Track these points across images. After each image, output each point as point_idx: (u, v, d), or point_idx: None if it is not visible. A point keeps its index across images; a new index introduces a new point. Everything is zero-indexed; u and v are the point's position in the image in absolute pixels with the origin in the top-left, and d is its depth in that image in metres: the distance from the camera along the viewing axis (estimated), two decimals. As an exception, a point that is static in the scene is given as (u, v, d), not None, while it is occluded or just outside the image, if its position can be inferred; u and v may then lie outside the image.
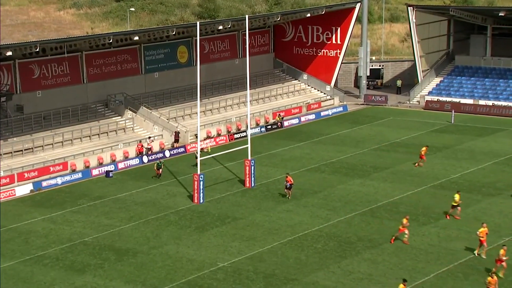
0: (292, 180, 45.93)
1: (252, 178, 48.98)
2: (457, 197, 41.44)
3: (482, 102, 70.37)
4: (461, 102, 70.61)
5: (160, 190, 48.83)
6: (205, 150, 53.80)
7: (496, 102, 69.80)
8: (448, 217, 41.56)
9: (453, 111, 67.00)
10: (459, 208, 41.41)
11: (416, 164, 52.01)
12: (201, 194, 46.06)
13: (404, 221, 38.31)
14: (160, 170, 51.06)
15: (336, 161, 54.62)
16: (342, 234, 40.26)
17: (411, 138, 60.78)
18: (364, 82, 75.97)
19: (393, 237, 38.47)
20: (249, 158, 48.97)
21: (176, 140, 59.86)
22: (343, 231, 40.70)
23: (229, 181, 50.46)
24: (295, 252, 38.08)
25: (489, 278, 31.91)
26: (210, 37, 69.20)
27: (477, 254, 36.38)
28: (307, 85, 75.57)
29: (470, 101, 70.91)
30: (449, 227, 40.62)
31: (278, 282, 34.71)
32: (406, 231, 38.14)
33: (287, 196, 45.80)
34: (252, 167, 48.86)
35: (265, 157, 55.96)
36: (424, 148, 52.43)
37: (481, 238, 36.18)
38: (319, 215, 43.20)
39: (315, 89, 75.34)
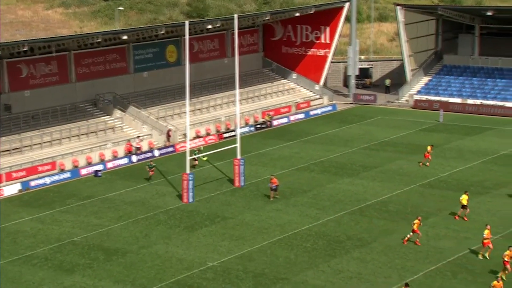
0: (277, 181, 45.78)
1: (242, 178, 48.99)
2: (465, 197, 41.38)
3: (470, 101, 70.69)
4: (449, 101, 70.90)
5: (150, 190, 48.76)
6: (197, 151, 53.66)
7: (484, 101, 70.14)
8: (457, 218, 41.37)
9: (441, 110, 67.27)
10: (468, 209, 41.34)
11: (421, 163, 51.90)
12: (191, 194, 46.04)
13: (417, 222, 38.15)
14: (152, 171, 50.61)
15: (325, 160, 54.73)
16: (331, 233, 40.35)
17: (400, 137, 60.97)
18: (353, 81, 76.14)
19: (406, 238, 38.29)
20: (239, 157, 48.98)
21: (168, 139, 59.84)
22: (332, 230, 40.78)
23: (219, 180, 50.46)
24: (285, 251, 38.13)
25: (495, 282, 31.35)
26: (199, 36, 69.15)
27: (482, 255, 36.17)
28: (296, 85, 75.66)
29: (458, 100, 71.22)
30: (438, 225, 40.80)
31: (268, 281, 34.75)
32: (419, 232, 38.01)
33: (271, 197, 45.59)
34: (242, 166, 48.88)
35: (255, 156, 55.99)
36: (429, 148, 52.37)
37: (485, 241, 36.02)
38: (308, 214, 43.27)
39: (304, 88, 75.44)
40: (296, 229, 41.03)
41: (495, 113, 68.06)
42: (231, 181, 49.49)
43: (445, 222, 41.27)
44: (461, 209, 41.39)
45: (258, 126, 65.54)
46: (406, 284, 31.28)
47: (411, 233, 38.11)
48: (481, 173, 50.48)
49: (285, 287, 34.13)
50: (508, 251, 33.46)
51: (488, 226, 36.64)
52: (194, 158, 52.44)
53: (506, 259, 32.98)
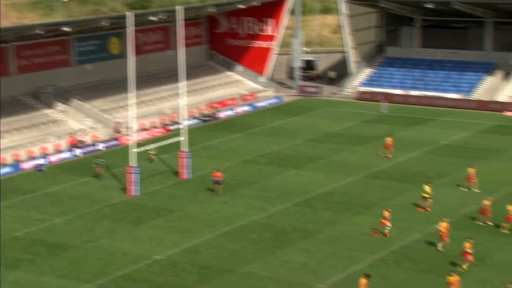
0: (220, 175, 45.58)
1: (188, 170, 48.83)
2: (427, 188, 41.90)
3: (412, 92, 71.93)
4: (392, 92, 71.98)
5: (94, 184, 48.17)
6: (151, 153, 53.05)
7: (425, 93, 71.46)
8: (420, 210, 41.79)
9: (384, 101, 68.26)
10: (430, 199, 41.83)
11: (383, 155, 52.40)
12: (136, 187, 45.66)
13: (386, 213, 38.36)
14: (100, 168, 49.45)
15: (272, 152, 54.97)
16: (278, 224, 40.58)
17: (344, 128, 61.66)
18: (298, 73, 76.61)
19: (375, 230, 38.50)
20: (184, 150, 48.78)
21: (117, 132, 59.17)
22: (278, 221, 41.02)
23: (165, 173, 50.18)
24: (231, 243, 38.20)
25: (450, 278, 30.86)
26: (142, 28, 68.48)
27: (441, 247, 36.38)
28: (241, 77, 75.70)
29: (400, 91, 72.38)
30: (381, 216, 41.38)
31: (214, 273, 34.78)
32: (388, 224, 38.29)
33: (216, 191, 45.40)
34: (188, 159, 48.70)
35: (201, 149, 55.85)
36: (389, 139, 52.83)
37: (442, 233, 36.22)
38: (255, 206, 43.42)
39: (249, 80, 75.56)
40: (243, 221, 41.13)
41: (436, 104, 69.41)
42: (177, 174, 49.28)
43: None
44: (423, 200, 41.83)
45: (204, 118, 65.37)
46: (367, 275, 31.24)
47: (387, 225, 38.31)
48: (423, 163, 51.45)
49: (231, 279, 34.22)
50: (467, 243, 33.73)
51: (445, 219, 36.77)
52: (150, 154, 52.12)
53: (466, 250, 33.40)
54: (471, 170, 44.70)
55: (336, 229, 39.74)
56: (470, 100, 69.27)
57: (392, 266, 35.03)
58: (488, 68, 72.89)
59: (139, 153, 47.79)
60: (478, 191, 44.05)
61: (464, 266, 33.72)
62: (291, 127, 62.39)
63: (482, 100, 68.52)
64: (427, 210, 41.55)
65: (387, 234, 38.33)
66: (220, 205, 43.75)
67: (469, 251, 33.51)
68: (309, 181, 47.85)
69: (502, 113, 65.59)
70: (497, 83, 71.44)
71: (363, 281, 30.46)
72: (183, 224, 40.88)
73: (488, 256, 35.42)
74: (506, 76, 71.60)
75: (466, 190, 44.52)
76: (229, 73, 75.74)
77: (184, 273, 34.83)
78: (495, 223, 39.09)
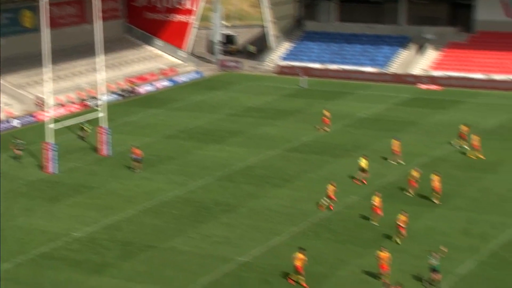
0: (139, 153, 44.85)
1: (108, 147, 48.07)
2: (363, 161, 42.26)
3: (330, 66, 72.83)
4: (311, 66, 72.67)
5: (10, 162, 46.83)
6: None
7: (343, 66, 72.47)
8: (356, 182, 42.07)
9: (303, 75, 68.85)
10: (366, 173, 42.27)
11: (321, 128, 52.61)
12: (53, 164, 44.66)
13: (331, 188, 38.18)
14: (19, 149, 47.54)
15: (193, 127, 54.74)
16: (199, 199, 40.56)
17: (265, 102, 61.95)
18: (217, 48, 76.28)
19: (322, 204, 38.31)
20: (104, 125, 47.95)
21: (39, 106, 57.49)
22: (200, 196, 41.00)
23: (83, 150, 49.25)
24: (153, 219, 37.97)
25: (380, 253, 30.34)
26: (57, 2, 66.57)
27: (376, 222, 36.28)
28: (161, 51, 74.81)
29: (319, 65, 73.16)
30: (301, 189, 41.99)
31: (136, 249, 34.52)
32: (327, 199, 38.21)
33: (135, 169, 44.75)
34: (107, 135, 47.91)
35: (120, 124, 55.05)
36: (326, 112, 52.81)
37: (375, 207, 36.17)
38: (176, 182, 43.22)
39: (169, 55, 74.78)
40: (164, 196, 40.91)
41: (354, 78, 70.55)
42: (97, 150, 48.45)
43: (308, 185, 42.52)
44: (360, 172, 42.39)
45: (123, 94, 64.37)
46: (301, 249, 31.08)
47: (326, 198, 38.57)
48: (342, 136, 52.29)
49: (153, 254, 34.05)
50: (401, 216, 34.12)
51: (378, 193, 37.09)
52: (83, 128, 50.90)
53: (400, 224, 33.92)
54: (396, 143, 45.49)
55: (257, 202, 40.04)
56: (386, 73, 70.71)
57: (312, 237, 35.61)
58: (402, 42, 74.49)
59: (56, 129, 46.70)
60: (403, 163, 45.02)
61: (398, 239, 34.37)
62: (212, 102, 62.23)
63: (397, 74, 70.05)
64: (364, 182, 42.02)
65: (332, 208, 38.53)
66: (140, 181, 43.33)
67: (402, 224, 33.91)
68: (230, 156, 47.94)
69: (416, 86, 67.28)
70: (411, 56, 73.15)
71: (299, 255, 30.51)
72: (103, 201, 40.32)
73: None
74: (420, 49, 73.38)
75: (395, 163, 45.29)
76: (148, 47, 74.70)
77: (104, 250, 34.42)
78: (416, 194, 40.16)
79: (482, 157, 45.55)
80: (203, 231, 36.40)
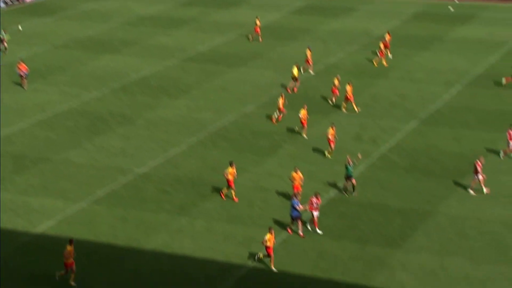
0: (25, 68, 41.94)
1: (-6, 57, 45.77)
2: (295, 69, 41.42)
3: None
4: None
5: None
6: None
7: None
8: (288, 91, 41.40)
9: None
10: (297, 81, 41.60)
11: (252, 38, 51.27)
12: None
13: (281, 100, 37.13)
14: None
15: (84, 37, 52.84)
16: (94, 111, 39.64)
17: (159, 11, 60.36)
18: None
19: (275, 118, 37.53)
20: (-12, 35, 45.46)
21: None
22: (94, 108, 40.05)
23: (-32, 61, 46.78)
24: (45, 131, 36.91)
25: (293, 174, 29.87)
26: None
27: (306, 135, 35.92)
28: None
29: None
30: (198, 99, 41.72)
31: (28, 162, 33.61)
32: (284, 111, 37.27)
33: (22, 85, 42.33)
34: (-7, 45, 45.52)
35: (7, 34, 52.37)
36: (257, 21, 51.55)
37: (303, 121, 35.90)
38: (69, 93, 41.96)
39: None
40: (57, 108, 39.75)
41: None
42: (-18, 61, 46.12)
43: (205, 94, 42.28)
44: (292, 81, 41.93)
45: (8, 1, 60.97)
46: (231, 163, 30.56)
47: (278, 112, 37.96)
48: (237, 45, 51.89)
49: (47, 167, 33.26)
50: (330, 129, 33.93)
51: (305, 106, 36.75)
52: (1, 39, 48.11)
53: (330, 137, 33.88)
54: (308, 53, 44.80)
55: (153, 113, 39.55)
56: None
57: (210, 147, 35.69)
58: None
59: None
60: (312, 72, 44.93)
61: (327, 153, 34.47)
62: (104, 10, 60.05)
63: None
64: (294, 90, 41.45)
65: (280, 118, 37.60)
66: (31, 93, 41.77)
67: (331, 137, 33.81)
68: (124, 66, 46.79)
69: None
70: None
71: (230, 170, 30.24)
72: (-8, 114, 38.73)
73: (299, 134, 37.02)
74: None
75: (311, 72, 45.23)
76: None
77: (-4, 164, 33.32)
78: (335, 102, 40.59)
79: (385, 64, 46.10)
80: (98, 143, 35.77)
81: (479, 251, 26.98)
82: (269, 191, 31.36)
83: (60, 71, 45.44)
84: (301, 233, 26.97)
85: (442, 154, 34.70)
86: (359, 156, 32.11)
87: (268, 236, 25.56)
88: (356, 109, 39.18)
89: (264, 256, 25.89)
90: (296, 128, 36.73)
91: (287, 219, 28.72)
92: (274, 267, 25.97)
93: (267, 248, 25.62)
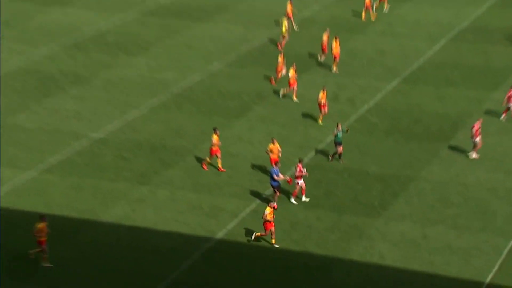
0: None
1: None
2: (284, 24, 40.97)
3: None
4: None
5: None
6: None
7: None
8: (279, 47, 41.07)
9: None
10: (286, 36, 41.23)
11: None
12: None
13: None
14: None
15: (32, -12, 51.97)
16: (44, 70, 39.27)
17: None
18: None
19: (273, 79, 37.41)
20: None
21: None
22: (44, 66, 39.67)
23: None
24: (-9, 94, 36.49)
25: (270, 145, 29.60)
26: None
27: (294, 98, 35.71)
28: None
29: None
30: (159, 57, 41.40)
31: (-27, 128, 33.23)
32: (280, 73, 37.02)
33: None
34: None
35: None
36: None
37: (290, 81, 35.42)
38: (15, 50, 41.56)
39: None
40: (3, 68, 39.36)
41: None
42: None
43: (167, 53, 41.95)
44: (280, 37, 41.31)
45: None
46: (215, 128, 30.58)
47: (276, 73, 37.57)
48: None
49: (-6, 133, 32.96)
50: (321, 93, 33.72)
51: (294, 65, 36.22)
52: None
53: (322, 101, 33.73)
54: (289, 7, 44.29)
55: (111, 72, 39.22)
56: None
57: (174, 109, 35.52)
58: None
59: None
60: (296, 29, 44.63)
61: (319, 120, 34.20)
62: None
63: None
64: (283, 43, 41.20)
65: (273, 83, 37.39)
66: (-26, 51, 41.16)
67: (323, 101, 33.51)
68: (77, 20, 46.18)
69: None
70: None
71: (214, 136, 29.93)
72: None
73: (271, 95, 36.98)
74: None
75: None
76: None
77: None
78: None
79: (372, 18, 45.86)
80: (50, 106, 35.48)
81: (463, 219, 27.36)
82: (238, 157, 31.38)
83: (5, 26, 44.74)
84: (275, 204, 26.97)
85: (425, 114, 34.94)
86: (347, 130, 31.41)
87: (268, 210, 25.47)
88: (335, 68, 39.08)
89: (261, 234, 25.74)
90: (267, 88, 36.60)
91: (257, 187, 28.78)
92: (276, 243, 25.72)
93: (266, 223, 25.51)
